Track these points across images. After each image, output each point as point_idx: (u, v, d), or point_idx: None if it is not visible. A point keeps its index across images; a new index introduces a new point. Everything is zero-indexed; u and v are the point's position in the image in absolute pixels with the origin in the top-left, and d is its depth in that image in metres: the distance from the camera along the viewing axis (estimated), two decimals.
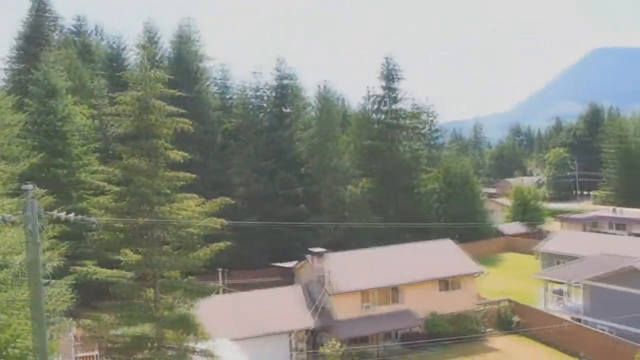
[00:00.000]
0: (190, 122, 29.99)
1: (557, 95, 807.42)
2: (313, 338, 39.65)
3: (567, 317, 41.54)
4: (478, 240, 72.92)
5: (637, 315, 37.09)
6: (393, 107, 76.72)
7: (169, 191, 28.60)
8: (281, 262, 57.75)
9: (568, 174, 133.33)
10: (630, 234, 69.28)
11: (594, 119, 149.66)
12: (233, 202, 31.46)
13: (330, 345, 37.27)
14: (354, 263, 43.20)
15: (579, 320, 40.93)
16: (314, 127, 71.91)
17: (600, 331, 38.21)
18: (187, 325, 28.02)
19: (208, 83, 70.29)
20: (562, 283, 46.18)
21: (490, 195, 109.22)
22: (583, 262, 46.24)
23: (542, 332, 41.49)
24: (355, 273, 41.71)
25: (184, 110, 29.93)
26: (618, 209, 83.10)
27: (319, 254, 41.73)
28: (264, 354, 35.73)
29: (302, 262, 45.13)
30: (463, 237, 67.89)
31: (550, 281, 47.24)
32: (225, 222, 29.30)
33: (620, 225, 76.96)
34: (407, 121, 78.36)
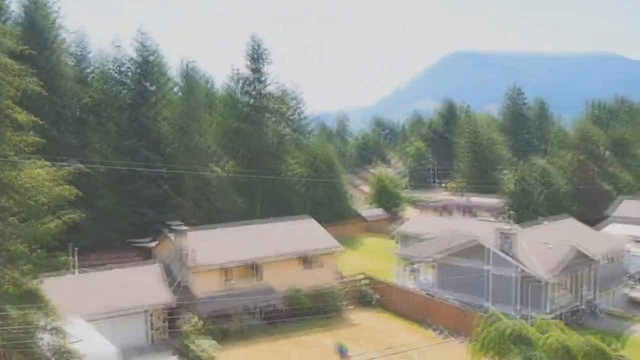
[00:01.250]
0: (43, 89, 28.05)
1: (417, 93, 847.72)
2: (173, 315, 38.77)
3: (422, 292, 43.77)
4: (341, 224, 75.11)
5: (481, 286, 40.18)
6: (260, 89, 76.68)
7: (15, 157, 26.62)
8: (144, 242, 56.02)
9: (426, 164, 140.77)
10: (479, 219, 74.26)
11: (451, 115, 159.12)
12: (88, 171, 29.93)
13: (191, 323, 36.66)
14: (215, 240, 42.78)
15: (432, 294, 43.26)
16: (179, 107, 69.99)
17: (450, 303, 40.59)
18: (34, 302, 26.33)
19: (65, 53, 65.80)
20: (416, 260, 48.69)
21: (354, 183, 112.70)
22: (434, 240, 49.04)
23: (399, 306, 43.53)
24: (217, 249, 41.33)
25: (34, 71, 27.96)
26: (469, 196, 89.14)
27: (180, 231, 40.88)
28: (121, 333, 34.29)
29: (163, 240, 44.03)
30: (327, 220, 69.66)
31: (406, 259, 49.55)
32: (80, 193, 28.02)
33: (471, 211, 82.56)
34: (275, 105, 78.61)
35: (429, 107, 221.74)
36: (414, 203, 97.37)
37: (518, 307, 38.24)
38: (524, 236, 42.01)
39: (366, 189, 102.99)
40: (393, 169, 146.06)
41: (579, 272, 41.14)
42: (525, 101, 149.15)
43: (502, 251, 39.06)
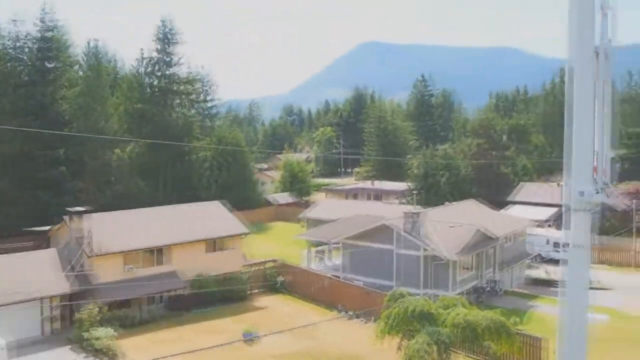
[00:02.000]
0: None
1: (329, 82, 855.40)
2: (70, 304, 36.69)
3: (329, 275, 43.75)
4: (249, 209, 74.15)
5: (388, 268, 40.60)
6: (167, 71, 74.46)
7: None
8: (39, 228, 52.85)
9: (334, 151, 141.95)
10: (385, 203, 75.47)
11: (359, 103, 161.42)
12: None
13: (88, 311, 34.78)
14: (117, 224, 40.90)
15: (338, 277, 43.33)
16: (80, 86, 66.66)
17: (356, 284, 40.78)
18: None
19: None
20: (323, 243, 48.71)
21: (262, 170, 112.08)
22: (341, 222, 49.15)
23: (305, 290, 43.35)
24: (118, 234, 39.51)
25: None
26: (376, 182, 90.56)
27: (78, 214, 38.71)
28: (11, 325, 32.02)
29: (60, 224, 41.63)
30: (234, 206, 68.60)
31: (313, 242, 49.42)
32: None
33: (377, 195, 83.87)
34: (182, 87, 76.55)
35: (340, 96, 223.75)
36: (322, 189, 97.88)
37: (423, 287, 38.89)
38: (428, 217, 42.77)
39: (275, 175, 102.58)
40: (302, 156, 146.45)
41: (482, 251, 42.36)
42: (431, 90, 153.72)
43: (407, 232, 39.57)
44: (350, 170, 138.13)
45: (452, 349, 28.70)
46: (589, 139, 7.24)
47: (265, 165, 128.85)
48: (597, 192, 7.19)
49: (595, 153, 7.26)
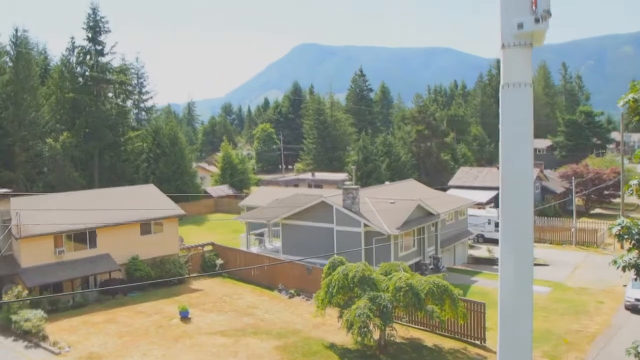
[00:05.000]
0: None
1: (266, 84, 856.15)
2: None
3: (268, 255, 43.05)
4: (187, 202, 72.69)
5: (328, 246, 40.14)
6: (98, 59, 72.18)
7: None
8: None
9: (274, 147, 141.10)
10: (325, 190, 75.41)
11: (297, 99, 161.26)
12: None
13: (15, 293, 33.06)
14: (47, 206, 39.05)
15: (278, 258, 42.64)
16: (7, 75, 63.81)
17: (296, 263, 40.13)
18: None
19: None
20: (263, 226, 47.93)
21: (201, 167, 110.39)
22: (280, 201, 48.44)
23: (245, 272, 42.51)
24: (47, 216, 37.66)
25: None
26: (316, 173, 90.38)
27: (3, 196, 36.82)
28: None
29: None
30: (173, 197, 67.04)
31: (252, 223, 48.50)
32: None
33: (318, 185, 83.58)
34: (114, 76, 74.34)
35: (277, 97, 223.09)
36: (261, 181, 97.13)
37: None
38: (368, 194, 42.67)
39: (214, 169, 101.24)
40: (242, 153, 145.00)
41: (423, 228, 42.31)
42: (370, 85, 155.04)
43: (347, 208, 39.24)
44: (291, 167, 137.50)
45: (394, 319, 28.11)
46: None
47: (205, 163, 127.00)
48: (538, 22, 6.75)
49: None
